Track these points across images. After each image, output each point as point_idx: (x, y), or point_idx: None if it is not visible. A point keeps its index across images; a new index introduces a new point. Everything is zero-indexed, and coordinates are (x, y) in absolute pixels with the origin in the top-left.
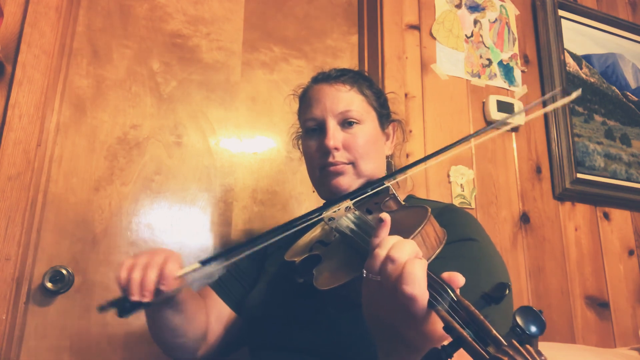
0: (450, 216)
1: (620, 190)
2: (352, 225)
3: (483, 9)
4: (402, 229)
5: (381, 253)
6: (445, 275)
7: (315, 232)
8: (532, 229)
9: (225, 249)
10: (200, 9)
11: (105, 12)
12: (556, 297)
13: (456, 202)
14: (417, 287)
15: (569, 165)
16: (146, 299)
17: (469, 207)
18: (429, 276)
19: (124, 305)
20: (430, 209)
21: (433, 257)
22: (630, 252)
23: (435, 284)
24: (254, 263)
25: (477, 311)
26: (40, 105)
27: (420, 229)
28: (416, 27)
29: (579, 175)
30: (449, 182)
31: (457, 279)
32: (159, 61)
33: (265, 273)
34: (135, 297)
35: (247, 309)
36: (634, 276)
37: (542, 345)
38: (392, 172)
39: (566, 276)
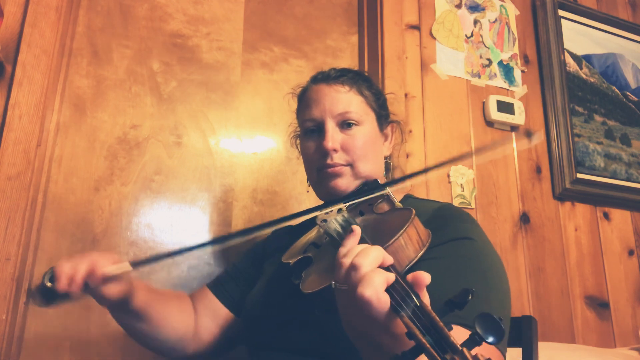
0: (446, 215)
1: (620, 190)
2: (338, 228)
3: (483, 9)
4: (384, 232)
5: (346, 262)
6: (410, 276)
7: (312, 234)
8: (532, 229)
9: (156, 255)
10: (200, 9)
11: (105, 12)
12: (556, 297)
13: (456, 202)
14: (371, 290)
15: (569, 165)
16: (72, 290)
17: (469, 207)
18: (397, 282)
19: (50, 294)
20: (414, 211)
21: (416, 259)
22: (630, 252)
23: (402, 290)
24: (253, 263)
25: (437, 318)
26: (40, 105)
27: (401, 232)
28: (416, 27)
29: (579, 175)
30: (449, 182)
31: (422, 278)
32: (159, 61)
33: (264, 274)
34: (61, 288)
35: (245, 309)
36: (634, 276)
37: (542, 346)
38: (390, 173)
39: (566, 276)
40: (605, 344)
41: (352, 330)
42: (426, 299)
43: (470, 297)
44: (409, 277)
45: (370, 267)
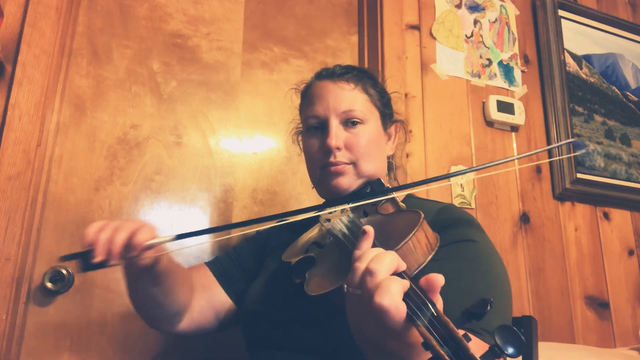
0: (449, 217)
1: (620, 190)
2: (344, 229)
3: (483, 9)
4: (392, 235)
5: (361, 266)
6: (423, 280)
7: (313, 232)
8: (532, 229)
9: (204, 229)
10: (200, 9)
11: (105, 12)
12: (556, 297)
13: (456, 202)
14: (390, 299)
15: (569, 165)
16: (112, 262)
17: (469, 207)
18: (411, 289)
19: (87, 262)
20: (423, 215)
21: (425, 264)
22: (630, 252)
23: (417, 298)
24: (256, 257)
25: (455, 329)
26: (40, 105)
27: (410, 236)
28: (416, 27)
29: (579, 175)
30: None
31: (436, 281)
32: (159, 61)
33: (265, 270)
34: (99, 258)
35: (245, 306)
36: (634, 276)
37: (542, 346)
38: (393, 172)
39: (566, 276)
40: (605, 344)
41: (361, 335)
42: (440, 303)
43: (488, 307)
44: (422, 281)
45: (386, 274)
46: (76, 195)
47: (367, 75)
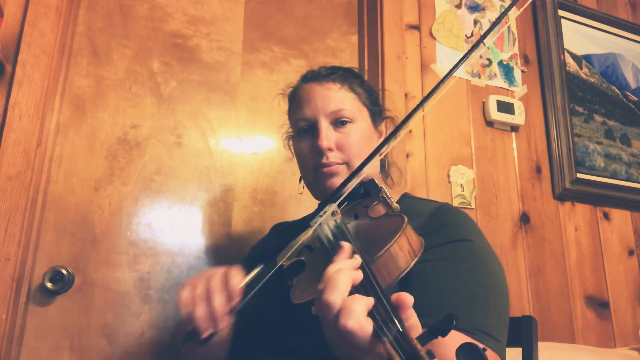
0: (445, 216)
1: (620, 190)
2: (329, 235)
3: (483, 9)
4: (374, 242)
5: (320, 288)
6: (394, 297)
7: (307, 234)
8: (532, 229)
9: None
10: (200, 9)
11: (105, 12)
12: (556, 297)
13: (456, 202)
14: (354, 321)
15: (569, 165)
16: (223, 326)
17: (469, 207)
18: (380, 304)
19: (200, 338)
20: (406, 220)
21: (407, 269)
22: (630, 252)
23: (384, 313)
24: (260, 257)
25: (419, 346)
26: (40, 105)
27: (391, 243)
28: (416, 27)
29: (579, 175)
30: (449, 182)
31: (405, 300)
32: (159, 61)
33: None
34: (207, 333)
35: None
36: (634, 276)
37: (542, 346)
38: (385, 170)
39: (566, 276)
40: (605, 344)
41: (336, 349)
42: (412, 319)
43: (454, 323)
44: (393, 298)
45: (344, 295)
46: (76, 195)
47: (353, 75)
